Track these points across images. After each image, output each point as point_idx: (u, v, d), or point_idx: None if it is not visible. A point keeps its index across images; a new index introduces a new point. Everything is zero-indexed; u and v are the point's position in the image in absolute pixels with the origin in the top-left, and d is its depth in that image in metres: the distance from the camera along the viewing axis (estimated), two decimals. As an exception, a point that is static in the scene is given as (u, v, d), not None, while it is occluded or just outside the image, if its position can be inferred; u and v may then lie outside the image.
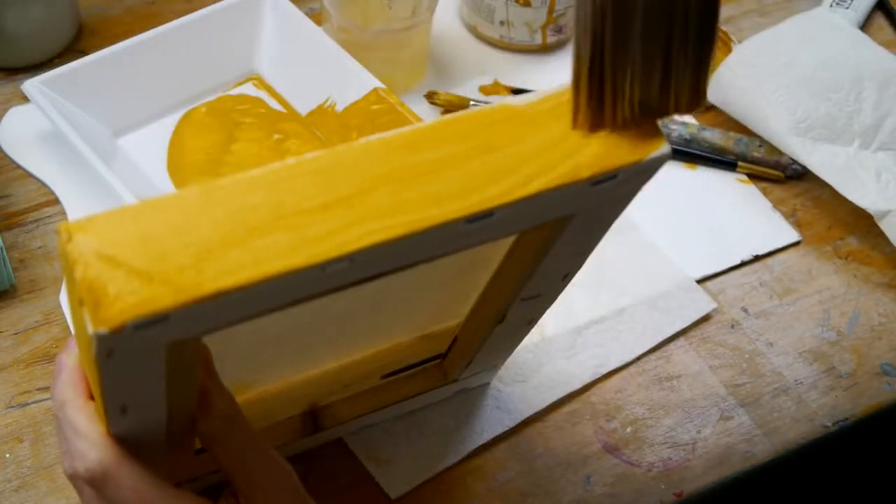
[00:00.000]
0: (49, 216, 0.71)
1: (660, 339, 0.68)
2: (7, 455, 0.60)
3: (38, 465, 0.59)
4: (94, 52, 0.73)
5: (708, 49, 0.37)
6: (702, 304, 0.70)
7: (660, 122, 0.39)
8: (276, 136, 0.75)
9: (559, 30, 0.84)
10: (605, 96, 0.37)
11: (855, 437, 0.67)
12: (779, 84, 0.77)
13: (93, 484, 0.41)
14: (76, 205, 0.71)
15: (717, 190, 0.77)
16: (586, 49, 0.37)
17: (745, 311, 0.70)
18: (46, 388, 0.62)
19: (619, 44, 0.36)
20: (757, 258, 0.73)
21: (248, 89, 0.78)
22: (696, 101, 0.38)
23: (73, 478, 0.43)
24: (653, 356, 0.68)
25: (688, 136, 0.79)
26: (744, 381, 0.67)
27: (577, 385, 0.65)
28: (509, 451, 0.62)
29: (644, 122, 0.38)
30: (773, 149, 0.78)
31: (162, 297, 0.32)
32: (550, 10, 0.82)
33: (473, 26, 0.85)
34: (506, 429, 0.63)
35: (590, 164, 0.37)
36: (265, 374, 0.56)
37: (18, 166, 0.74)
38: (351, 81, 0.74)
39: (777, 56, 0.79)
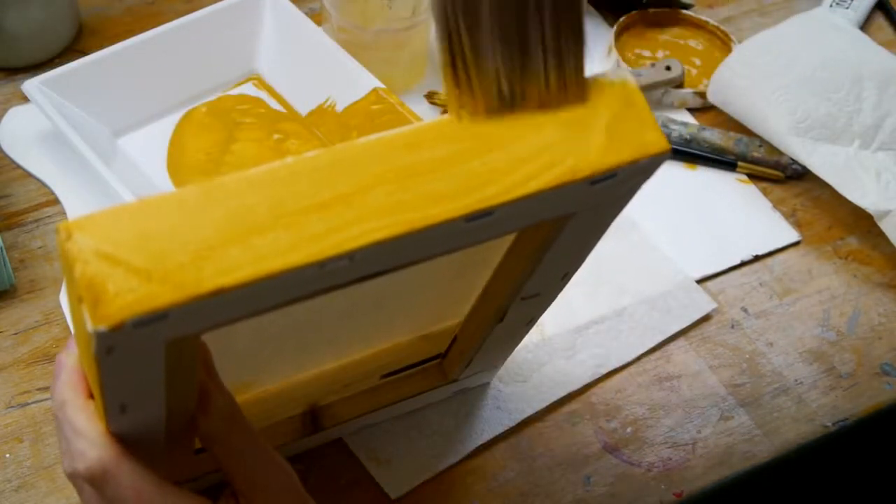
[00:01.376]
0: (49, 216, 0.71)
1: (660, 339, 0.68)
2: (7, 455, 0.60)
3: (38, 465, 0.59)
4: (94, 52, 0.73)
5: (570, 30, 0.37)
6: (702, 304, 0.70)
7: (659, 122, 0.39)
8: (276, 136, 0.75)
9: (559, 30, 0.84)
10: (471, 81, 0.37)
11: (855, 437, 0.67)
12: (779, 84, 0.77)
13: (93, 483, 0.41)
14: (76, 205, 0.71)
15: (717, 190, 0.77)
16: (443, 35, 0.37)
17: (745, 311, 0.70)
18: (46, 388, 0.62)
19: (471, 27, 0.36)
20: (757, 258, 0.73)
21: (248, 89, 0.78)
22: (563, 88, 0.37)
23: (73, 477, 0.43)
24: (653, 356, 0.68)
25: (688, 136, 0.79)
26: (744, 381, 0.67)
27: (577, 385, 0.65)
28: (509, 451, 0.62)
29: (523, 107, 0.38)
30: (773, 149, 0.78)
31: (161, 295, 0.32)
32: (550, 11, 0.82)
33: (473, 26, 0.85)
34: (506, 428, 0.63)
35: (589, 163, 0.37)
36: (265, 374, 0.56)
37: (18, 166, 0.74)
38: (351, 81, 0.74)
39: (777, 56, 0.79)
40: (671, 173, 0.78)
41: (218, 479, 0.54)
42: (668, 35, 0.87)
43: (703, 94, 0.81)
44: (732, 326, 0.69)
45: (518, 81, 0.37)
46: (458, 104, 0.37)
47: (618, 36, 0.85)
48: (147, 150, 0.74)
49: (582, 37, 0.37)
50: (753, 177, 0.78)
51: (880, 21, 0.91)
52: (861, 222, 0.75)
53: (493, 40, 0.36)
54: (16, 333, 0.65)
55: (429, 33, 0.80)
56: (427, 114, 0.78)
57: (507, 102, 0.37)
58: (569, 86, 0.37)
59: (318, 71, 0.76)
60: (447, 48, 0.37)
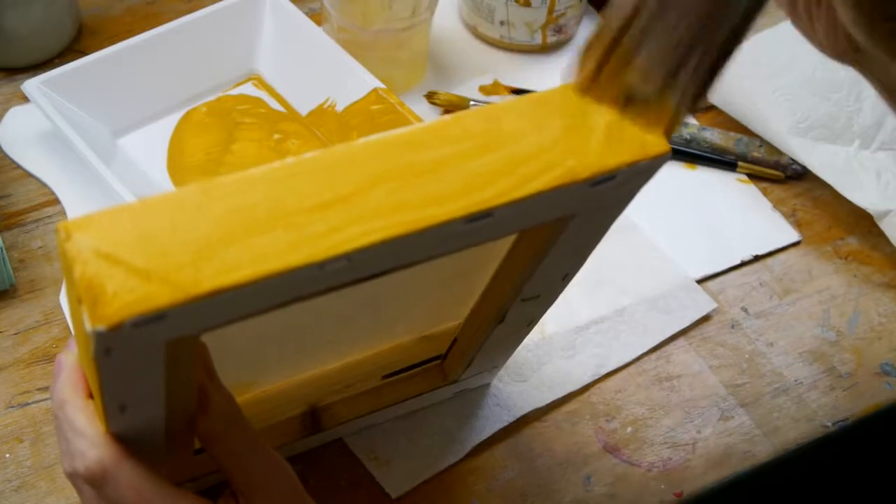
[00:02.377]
0: (49, 216, 0.71)
1: (660, 339, 0.68)
2: (7, 455, 0.60)
3: (38, 465, 0.59)
4: (94, 52, 0.73)
5: (710, 81, 0.39)
6: (702, 304, 0.70)
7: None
8: (276, 136, 0.75)
9: (559, 30, 0.84)
10: (610, 64, 0.38)
11: (855, 437, 0.67)
12: (779, 84, 0.77)
13: (92, 483, 0.41)
14: (76, 205, 0.71)
15: (717, 190, 0.77)
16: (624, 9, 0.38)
17: (745, 311, 0.70)
18: (46, 388, 0.62)
19: (653, 22, 0.38)
20: (757, 258, 0.73)
21: (248, 89, 0.78)
22: (672, 124, 0.39)
23: (73, 477, 0.43)
24: (653, 356, 0.68)
25: (688, 136, 0.79)
26: (744, 381, 0.67)
27: (577, 385, 0.65)
28: (509, 450, 0.62)
29: (631, 117, 0.38)
30: (773, 149, 0.78)
31: (160, 295, 0.32)
32: (550, 10, 0.82)
33: (473, 26, 0.85)
34: (505, 424, 0.63)
35: (589, 164, 0.37)
36: (265, 375, 0.56)
37: (18, 166, 0.74)
38: (351, 81, 0.74)
39: (777, 56, 0.79)
40: (671, 173, 0.78)
41: (218, 480, 0.54)
42: (668, 35, 0.87)
43: (703, 94, 0.81)
44: (732, 326, 0.69)
45: (647, 92, 0.38)
46: (582, 78, 0.39)
47: (618, 36, 0.85)
48: (147, 150, 0.74)
49: (706, 93, 0.39)
50: (753, 177, 0.78)
51: (880, 21, 0.91)
52: (861, 222, 0.75)
53: (661, 45, 0.38)
54: (16, 333, 0.65)
55: (429, 33, 0.80)
56: (427, 114, 0.78)
57: (621, 103, 0.38)
58: (671, 124, 0.38)
59: (318, 71, 0.76)
60: (622, 25, 0.38)
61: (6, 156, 0.74)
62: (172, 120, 0.76)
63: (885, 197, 0.73)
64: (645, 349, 0.67)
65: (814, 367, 0.68)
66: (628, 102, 0.38)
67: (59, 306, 0.66)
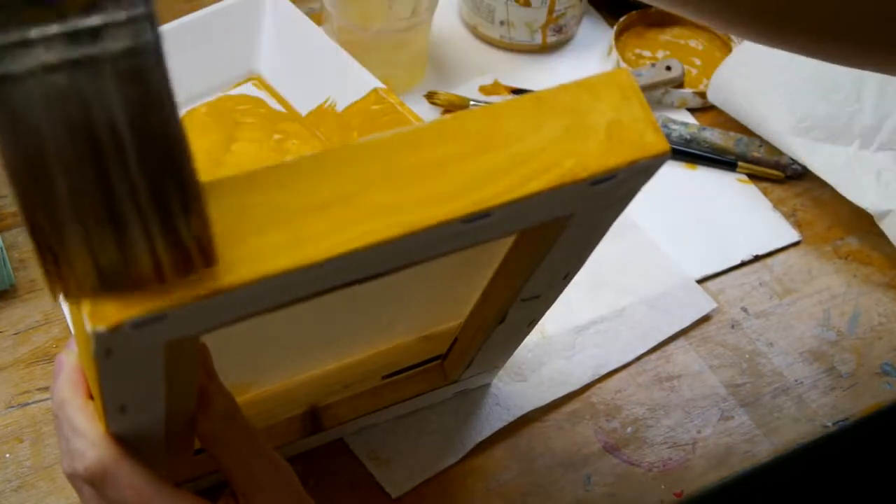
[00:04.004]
0: (49, 216, 0.71)
1: (660, 339, 0.68)
2: (7, 455, 0.60)
3: (38, 465, 0.59)
4: (94, 52, 0.73)
5: (176, 205, 0.32)
6: (702, 304, 0.70)
7: (659, 122, 0.39)
8: (276, 137, 0.75)
9: (559, 30, 0.84)
10: (60, 265, 0.31)
11: (855, 437, 0.67)
12: (779, 84, 0.77)
13: (92, 483, 0.41)
14: (76, 205, 0.71)
15: (717, 190, 0.77)
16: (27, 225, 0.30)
17: (745, 311, 0.70)
18: (46, 388, 0.62)
19: (47, 217, 0.30)
20: (757, 258, 0.73)
21: (248, 89, 0.78)
22: (189, 263, 0.31)
23: (73, 477, 0.43)
24: (653, 356, 0.68)
25: (688, 136, 0.79)
26: (744, 381, 0.67)
27: (577, 385, 0.65)
28: (509, 451, 0.62)
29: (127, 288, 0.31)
30: (773, 149, 0.78)
31: (160, 296, 0.32)
32: (550, 10, 0.82)
33: (473, 26, 0.85)
34: (505, 423, 0.63)
35: (589, 164, 0.37)
36: (265, 375, 0.56)
37: (19, 166, 0.74)
38: (351, 81, 0.74)
39: (777, 56, 0.78)
40: (671, 173, 0.78)
41: (218, 480, 0.54)
42: (668, 35, 0.87)
43: (703, 94, 0.81)
44: (732, 326, 0.69)
45: (117, 258, 0.31)
46: (52, 286, 0.31)
47: (618, 36, 0.85)
48: (147, 150, 0.74)
49: (197, 193, 0.32)
50: (753, 177, 0.78)
51: (880, 21, 0.91)
52: (861, 222, 0.75)
53: (76, 220, 0.30)
54: (16, 333, 0.65)
55: (429, 33, 0.80)
56: (427, 114, 0.78)
57: (111, 281, 0.31)
58: (191, 252, 0.31)
59: (318, 71, 0.76)
60: (32, 238, 0.30)
61: (6, 156, 0.74)
62: (172, 120, 0.76)
63: (885, 197, 0.73)
64: (645, 349, 0.67)
65: (814, 367, 0.68)
66: (114, 279, 0.31)
67: (59, 306, 0.66)
